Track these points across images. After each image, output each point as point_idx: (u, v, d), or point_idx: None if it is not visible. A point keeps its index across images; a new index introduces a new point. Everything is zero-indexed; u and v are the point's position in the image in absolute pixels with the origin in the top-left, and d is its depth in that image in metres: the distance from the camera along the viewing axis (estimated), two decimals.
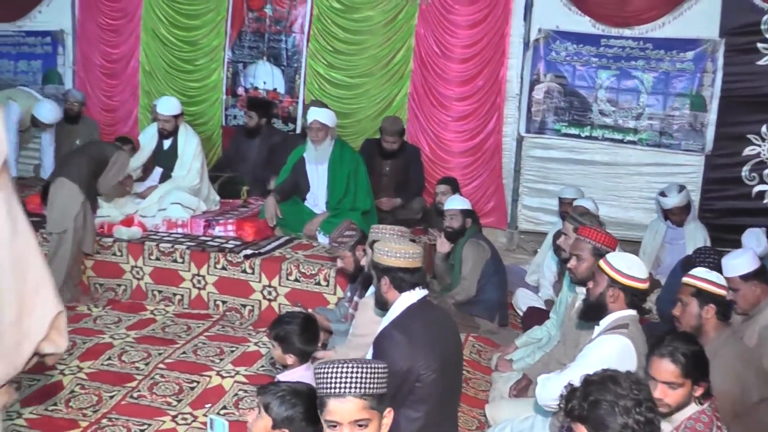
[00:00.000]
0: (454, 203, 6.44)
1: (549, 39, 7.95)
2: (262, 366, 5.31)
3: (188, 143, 7.47)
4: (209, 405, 4.79)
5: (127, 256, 6.63)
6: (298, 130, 8.82)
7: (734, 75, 7.43)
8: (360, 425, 2.53)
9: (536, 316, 5.82)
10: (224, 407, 4.78)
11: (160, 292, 6.59)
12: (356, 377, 2.53)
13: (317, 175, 7.11)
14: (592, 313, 3.93)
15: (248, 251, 6.46)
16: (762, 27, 7.29)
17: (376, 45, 8.57)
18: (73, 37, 9.89)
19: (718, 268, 4.50)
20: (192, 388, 4.97)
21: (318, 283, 6.18)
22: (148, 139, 7.50)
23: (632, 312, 3.80)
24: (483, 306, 6.15)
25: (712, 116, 7.52)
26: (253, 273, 6.34)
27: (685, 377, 3.09)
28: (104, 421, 4.56)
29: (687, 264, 5.50)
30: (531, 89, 8.09)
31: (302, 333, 3.93)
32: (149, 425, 4.55)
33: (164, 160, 7.50)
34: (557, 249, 5.48)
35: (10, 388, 2.55)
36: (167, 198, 7.12)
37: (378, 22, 8.54)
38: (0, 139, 2.35)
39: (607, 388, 2.50)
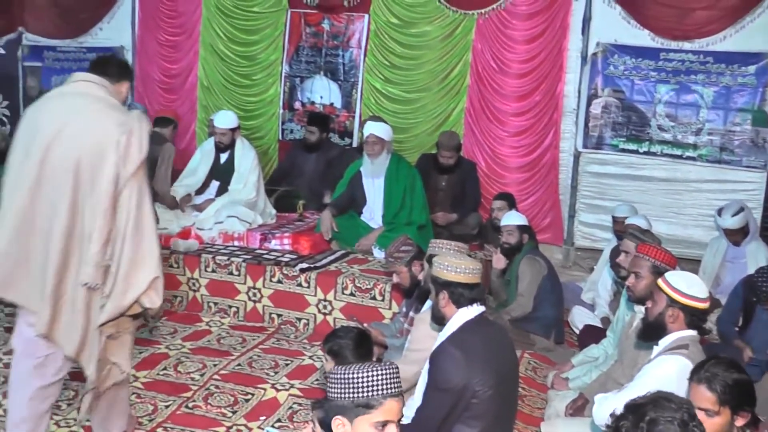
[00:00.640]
0: (511, 219, 6.41)
1: (607, 53, 7.87)
2: (317, 380, 5.31)
3: (245, 157, 7.53)
4: (264, 417, 4.80)
5: (184, 268, 6.70)
6: (355, 145, 8.85)
7: None
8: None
9: (593, 335, 5.74)
10: (279, 420, 4.78)
11: (215, 304, 6.63)
12: (399, 377, 2.67)
13: (373, 189, 7.12)
14: (651, 332, 3.87)
15: (304, 265, 6.47)
16: None
17: (433, 60, 8.57)
18: (132, 52, 10.06)
19: None
20: (247, 400, 4.99)
21: (373, 298, 6.17)
22: (205, 153, 7.58)
23: (692, 332, 3.73)
24: (539, 323, 6.09)
25: None
26: (308, 287, 6.36)
27: (721, 405, 3.01)
28: (159, 430, 4.59)
29: (748, 284, 5.42)
30: (588, 104, 8.01)
31: (356, 348, 3.92)
32: None
33: (221, 173, 7.56)
34: (616, 266, 5.41)
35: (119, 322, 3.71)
36: (224, 211, 7.18)
37: (435, 37, 8.54)
38: (143, 143, 3.60)
39: (662, 405, 2.47)
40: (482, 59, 8.37)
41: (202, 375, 5.34)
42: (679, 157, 7.72)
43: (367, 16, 8.84)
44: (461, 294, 3.72)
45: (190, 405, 4.91)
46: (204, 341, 6.01)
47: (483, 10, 8.25)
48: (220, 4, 9.41)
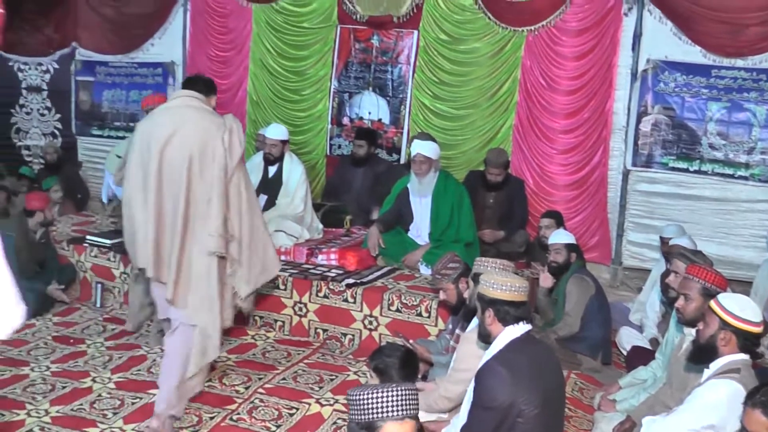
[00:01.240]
0: (559, 237, 6.37)
1: (657, 69, 7.80)
2: None
3: (293, 171, 7.58)
4: None
5: None
6: (403, 161, 8.86)
7: None
8: None
9: (641, 356, 5.66)
10: None
11: (261, 317, 6.66)
12: (412, 400, 2.65)
13: (421, 206, 7.12)
14: (701, 355, 3.82)
15: (350, 280, 6.49)
16: None
17: (482, 76, 8.57)
18: (183, 68, 10.22)
19: None
20: (291, 415, 5.01)
21: (419, 314, 6.16)
22: (253, 166, 7.64)
23: (744, 356, 3.68)
24: (586, 343, 6.02)
25: None
26: (354, 302, 6.37)
27: None
28: None
29: None
30: (638, 121, 7.94)
31: (402, 367, 3.93)
32: None
33: (269, 187, 7.61)
34: (666, 287, 5.35)
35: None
36: (271, 225, 7.20)
37: (484, 53, 8.54)
38: (242, 138, 4.64)
39: None
40: (531, 76, 8.36)
41: (246, 388, 5.37)
42: (731, 176, 7.61)
43: (416, 32, 8.87)
44: (507, 312, 3.71)
45: (235, 417, 4.94)
46: (249, 354, 6.05)
47: (533, 27, 8.23)
48: (271, 19, 9.52)
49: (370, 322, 6.33)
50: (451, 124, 8.78)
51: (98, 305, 7.05)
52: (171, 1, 10.15)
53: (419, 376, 4.44)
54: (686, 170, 7.79)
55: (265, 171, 7.66)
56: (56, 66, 11.17)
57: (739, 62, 7.49)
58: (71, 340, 6.14)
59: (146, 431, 4.55)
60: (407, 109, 9.01)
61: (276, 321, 6.63)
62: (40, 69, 11.27)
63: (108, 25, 10.59)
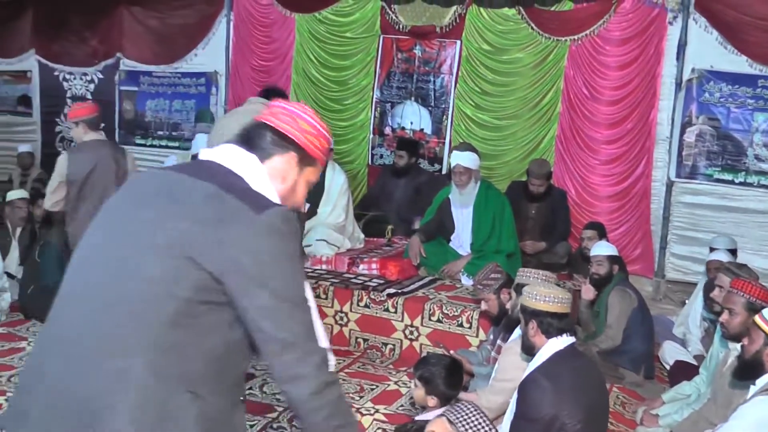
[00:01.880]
0: (601, 249, 6.32)
1: (702, 79, 7.71)
2: (402, 405, 5.29)
3: (335, 180, 7.60)
4: None
5: None
6: (444, 171, 8.85)
7: None
8: None
9: (684, 371, 5.60)
10: None
11: None
12: None
13: (462, 216, 7.09)
14: (747, 371, 3.77)
15: (391, 290, 6.48)
16: None
17: (525, 87, 8.53)
18: (226, 77, 10.28)
19: None
20: None
21: (460, 325, 6.14)
22: None
23: None
24: (628, 356, 5.96)
25: None
26: (395, 312, 6.36)
27: None
28: None
29: None
30: (682, 132, 7.85)
31: (448, 377, 3.93)
32: None
33: (311, 195, 7.55)
34: (711, 302, 5.30)
35: None
36: (312, 234, 7.24)
37: (527, 63, 8.51)
38: None
39: None
40: (574, 86, 8.31)
41: None
42: None
43: (458, 42, 8.86)
44: (550, 324, 3.69)
45: (275, 426, 4.93)
46: None
47: (576, 36, 8.19)
48: (313, 29, 9.56)
49: (411, 332, 6.31)
50: (494, 135, 8.75)
51: None
52: (215, 12, 10.24)
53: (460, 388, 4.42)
54: (731, 182, 7.69)
55: None
56: (101, 76, 11.32)
57: None
58: None
59: None
60: (449, 120, 9.00)
61: None
62: (85, 79, 11.43)
63: (152, 35, 10.72)
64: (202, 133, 8.62)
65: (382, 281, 6.75)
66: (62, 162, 6.31)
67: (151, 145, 10.92)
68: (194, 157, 8.36)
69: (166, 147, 9.27)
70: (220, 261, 2.06)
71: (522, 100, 8.57)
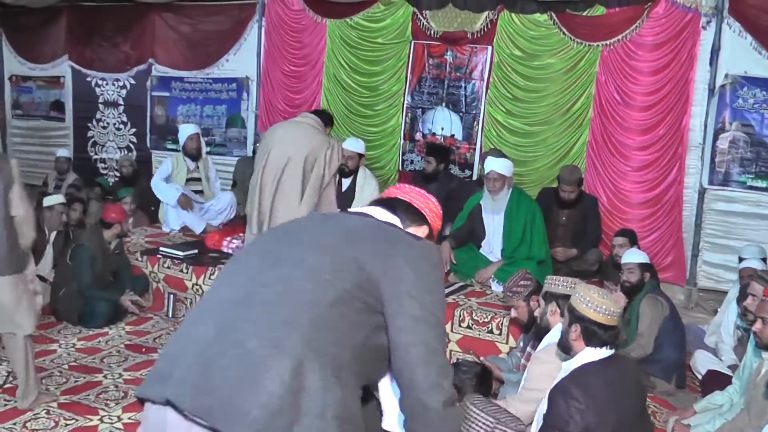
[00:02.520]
0: (632, 257, 6.25)
1: (736, 85, 7.63)
2: None
3: (366, 185, 7.65)
4: None
5: None
6: (475, 177, 8.83)
7: None
8: None
9: (717, 380, 5.52)
10: None
11: None
12: None
13: (493, 223, 7.07)
14: None
15: None
16: None
17: (556, 92, 8.50)
18: (257, 83, 10.35)
19: None
20: None
21: (490, 332, 6.10)
22: None
23: None
24: (659, 365, 5.90)
25: None
26: None
27: None
28: None
29: None
30: (715, 138, 7.77)
31: (478, 384, 3.92)
32: None
33: (342, 200, 7.62)
34: (744, 311, 5.23)
35: None
36: None
37: (558, 69, 8.47)
38: (340, 156, 6.11)
39: None
40: (606, 91, 8.25)
41: None
42: None
43: (490, 48, 8.84)
44: (594, 332, 3.62)
45: None
46: None
47: (608, 42, 8.14)
48: (345, 35, 9.58)
49: None
50: (525, 141, 8.72)
51: (170, 316, 7.15)
52: (246, 18, 10.30)
53: (490, 394, 4.41)
54: (765, 189, 7.61)
55: (339, 184, 7.69)
56: (132, 82, 11.43)
57: None
58: (143, 349, 6.23)
59: None
60: (480, 125, 8.97)
61: None
62: (117, 84, 11.55)
63: (184, 41, 10.81)
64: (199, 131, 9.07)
65: None
66: None
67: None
68: (185, 147, 8.43)
69: (207, 154, 9.30)
70: (383, 267, 2.36)
71: (553, 106, 8.53)
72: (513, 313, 5.33)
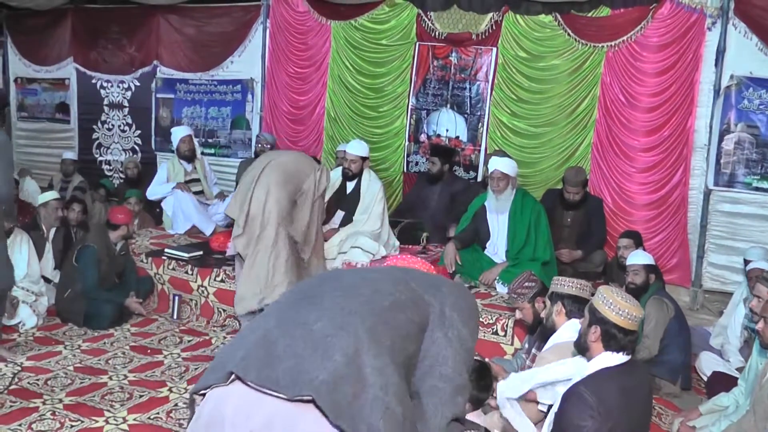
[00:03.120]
0: (637, 258, 6.24)
1: (741, 86, 7.62)
2: None
3: (371, 187, 7.59)
4: None
5: None
6: (480, 179, 8.82)
7: None
8: None
9: (722, 382, 5.50)
10: None
11: None
12: None
13: (498, 224, 7.05)
14: None
15: None
16: None
17: (561, 94, 8.50)
18: (262, 85, 10.35)
19: None
20: None
21: (495, 333, 6.10)
22: (331, 182, 7.67)
23: None
24: (665, 367, 5.88)
25: None
26: None
27: None
28: None
29: None
30: (720, 140, 7.76)
31: (478, 380, 3.90)
32: None
33: (347, 203, 7.63)
34: (750, 312, 5.22)
35: None
36: (348, 242, 7.24)
37: (563, 70, 8.47)
38: (328, 178, 6.61)
39: None
40: (611, 92, 8.25)
41: None
42: None
43: (494, 49, 8.84)
44: (614, 336, 3.59)
45: None
46: None
47: (613, 43, 8.14)
48: (349, 36, 9.59)
49: None
50: (529, 142, 8.72)
51: (175, 317, 7.15)
52: (251, 19, 10.30)
53: (493, 395, 4.39)
54: None
55: (344, 187, 7.69)
56: (137, 84, 11.44)
57: None
58: (148, 351, 6.23)
59: None
60: (485, 127, 8.97)
61: None
62: (122, 86, 11.56)
63: (189, 43, 10.82)
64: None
65: None
66: None
67: None
68: (178, 149, 8.71)
69: (202, 154, 9.32)
70: (429, 294, 2.77)
71: (558, 108, 8.53)
72: (518, 314, 5.31)
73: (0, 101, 5.68)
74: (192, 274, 7.23)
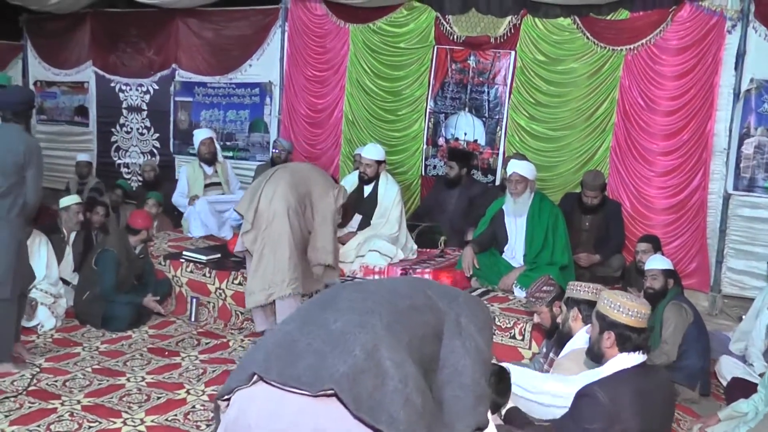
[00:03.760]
0: (656, 263, 6.20)
1: (761, 90, 7.56)
2: None
3: (388, 191, 7.58)
4: None
5: None
6: (498, 182, 8.80)
7: None
8: None
9: (742, 388, 5.45)
10: None
11: None
12: None
13: (515, 227, 7.04)
14: None
15: None
16: None
17: (580, 97, 8.47)
18: (280, 88, 10.37)
19: None
20: None
21: (513, 337, 6.08)
22: (349, 185, 7.67)
23: None
24: (684, 372, 5.83)
25: None
26: None
27: None
28: None
29: None
30: (740, 143, 7.70)
31: (497, 383, 3.88)
32: None
33: (364, 206, 7.63)
34: None
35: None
36: (366, 245, 7.23)
37: (582, 74, 8.44)
38: (345, 195, 6.60)
39: None
40: (629, 96, 8.21)
41: None
42: None
43: (513, 52, 8.82)
44: (628, 337, 3.60)
45: None
46: None
47: (632, 46, 8.11)
48: (368, 40, 9.60)
49: None
50: (548, 146, 8.70)
51: (193, 319, 7.17)
52: (269, 23, 10.33)
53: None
54: None
55: (361, 190, 7.69)
56: (156, 87, 11.49)
57: None
58: (166, 353, 6.25)
59: None
60: (503, 131, 8.95)
61: None
62: (141, 90, 11.62)
63: (207, 47, 10.86)
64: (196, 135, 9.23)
65: None
66: None
67: None
68: (199, 152, 8.83)
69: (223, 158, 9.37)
70: (445, 303, 2.82)
71: (576, 111, 8.50)
72: (536, 318, 5.29)
73: (30, 103, 5.68)
74: (210, 277, 7.25)
